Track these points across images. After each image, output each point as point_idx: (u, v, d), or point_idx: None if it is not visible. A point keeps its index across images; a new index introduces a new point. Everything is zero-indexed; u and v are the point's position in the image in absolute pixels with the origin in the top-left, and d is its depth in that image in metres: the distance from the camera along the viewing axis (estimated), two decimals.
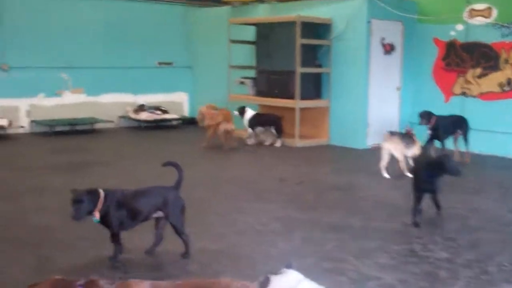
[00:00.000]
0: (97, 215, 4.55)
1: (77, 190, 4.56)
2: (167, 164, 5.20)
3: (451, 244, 5.43)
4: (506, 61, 10.13)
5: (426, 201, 6.97)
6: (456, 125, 9.48)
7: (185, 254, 4.97)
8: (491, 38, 10.28)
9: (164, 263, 4.88)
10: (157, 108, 13.67)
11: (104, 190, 4.64)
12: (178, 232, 4.94)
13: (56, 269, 4.64)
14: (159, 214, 4.90)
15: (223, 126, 10.32)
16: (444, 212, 6.52)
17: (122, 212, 4.67)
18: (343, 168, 9.20)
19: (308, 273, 4.57)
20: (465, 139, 9.46)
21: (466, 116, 9.83)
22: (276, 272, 3.31)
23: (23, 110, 12.27)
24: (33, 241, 5.33)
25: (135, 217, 4.76)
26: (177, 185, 5.04)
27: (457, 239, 5.59)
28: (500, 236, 5.70)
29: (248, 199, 7.01)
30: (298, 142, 11.08)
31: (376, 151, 9.22)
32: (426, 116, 9.34)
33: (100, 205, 4.54)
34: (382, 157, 8.38)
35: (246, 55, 12.83)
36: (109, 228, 4.72)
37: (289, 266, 3.36)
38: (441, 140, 9.32)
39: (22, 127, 11.93)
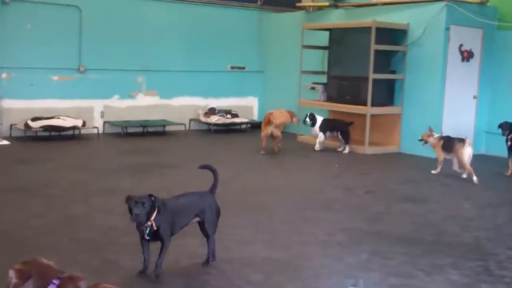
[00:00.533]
0: (153, 224, 4.37)
1: (133, 196, 4.36)
2: (203, 167, 5.05)
3: None
4: None
5: (502, 215, 6.65)
6: None
7: (207, 262, 4.84)
8: None
9: (226, 272, 4.80)
10: (228, 111, 13.73)
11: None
12: (209, 238, 4.81)
13: (119, 273, 4.68)
14: (196, 220, 4.77)
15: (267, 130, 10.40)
16: None
17: (169, 221, 4.50)
18: (413, 177, 8.90)
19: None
20: None
21: None
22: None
23: (97, 111, 12.59)
24: (99, 243, 5.40)
25: (177, 226, 4.61)
26: (213, 189, 4.90)
27: None
28: None
29: (313, 208, 6.87)
30: (368, 149, 10.83)
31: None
32: (507, 126, 8.91)
33: (154, 214, 4.37)
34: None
35: (317, 60, 12.69)
36: (160, 240, 4.52)
37: (356, 285, 3.23)
38: None
39: (95, 127, 12.24)
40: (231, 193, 7.38)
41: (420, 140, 9.28)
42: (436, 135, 9.12)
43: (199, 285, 4.54)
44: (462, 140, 8.58)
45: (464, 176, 8.66)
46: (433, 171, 9.00)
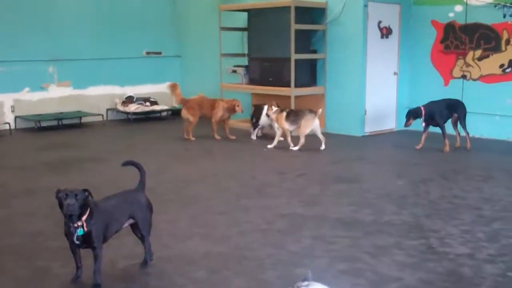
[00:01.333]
0: (84, 225, 3.95)
1: (64, 188, 3.94)
2: (128, 163, 4.64)
3: (469, 237, 5.13)
4: (508, 42, 9.82)
5: (438, 191, 6.71)
6: (452, 108, 9.16)
7: (145, 263, 4.54)
8: (492, 19, 9.96)
9: (167, 271, 4.51)
10: (146, 99, 13.26)
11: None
12: (145, 238, 4.48)
13: (52, 281, 4.29)
14: (130, 222, 4.42)
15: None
16: (457, 202, 6.26)
17: (102, 225, 4.08)
18: (343, 157, 8.88)
19: (323, 276, 4.30)
20: (463, 124, 9.14)
21: (466, 99, 9.58)
22: (298, 285, 2.98)
23: (7, 105, 11.80)
24: (25, 250, 4.96)
25: (110, 230, 4.20)
26: (141, 186, 4.53)
27: (474, 231, 5.29)
28: None
29: (248, 196, 6.67)
30: (294, 131, 10.73)
31: (371, 137, 8.93)
32: (413, 113, 9.09)
33: (85, 214, 3.96)
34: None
35: (237, 42, 12.45)
36: (92, 247, 4.08)
37: (307, 279, 3.04)
38: (440, 125, 9.04)
39: (6, 123, 11.46)
40: (162, 185, 7.06)
41: (267, 115, 9.76)
42: (276, 109, 9.53)
43: (140, 285, 4.23)
44: (312, 111, 9.21)
45: (323, 147, 9.31)
46: (293, 147, 9.36)
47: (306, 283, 2.98)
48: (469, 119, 9.33)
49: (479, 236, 5.17)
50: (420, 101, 9.75)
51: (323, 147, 9.29)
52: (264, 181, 7.33)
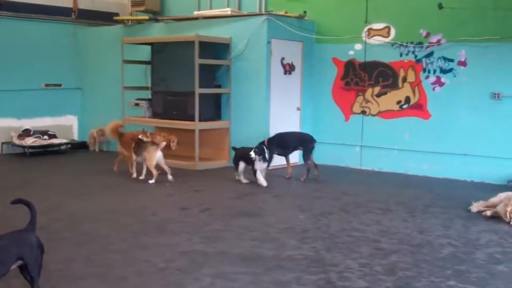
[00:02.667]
0: None
1: None
2: (17, 201, 4.34)
3: (367, 271, 5.19)
4: (405, 79, 10.28)
5: (338, 224, 6.78)
6: (297, 141, 9.89)
7: None
8: (390, 57, 10.41)
9: None
10: (44, 132, 12.72)
11: None
12: (34, 280, 4.17)
13: None
14: (18, 264, 4.12)
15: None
16: (356, 235, 6.34)
17: None
18: (246, 191, 8.84)
19: None
20: (306, 156, 9.81)
21: (365, 133, 9.89)
22: None
23: None
24: None
25: None
26: (32, 225, 4.25)
27: (372, 264, 5.36)
28: (413, 259, 5.53)
29: (148, 233, 6.44)
30: (199, 165, 10.63)
31: (277, 170, 8.96)
32: (260, 150, 9.16)
33: None
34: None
35: (140, 75, 12.28)
36: None
37: None
38: (285, 155, 9.92)
39: None
40: (57, 222, 6.72)
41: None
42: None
43: None
44: (154, 144, 9.39)
45: (170, 177, 9.45)
46: (150, 181, 9.38)
47: None
48: (368, 152, 9.61)
49: (377, 269, 5.24)
50: (322, 136, 9.97)
51: (170, 177, 9.42)
52: (165, 217, 7.13)
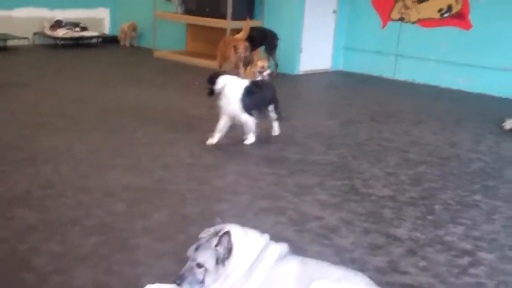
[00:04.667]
0: None
1: None
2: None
3: (392, 180, 5.16)
4: None
5: (367, 133, 6.71)
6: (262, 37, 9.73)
7: None
8: None
9: (85, 202, 4.31)
10: (76, 24, 12.60)
11: None
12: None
13: None
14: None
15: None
16: (384, 144, 6.28)
17: None
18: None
19: (244, 213, 4.24)
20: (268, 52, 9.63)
21: (402, 42, 9.57)
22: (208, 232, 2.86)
23: None
24: None
25: None
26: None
27: (398, 174, 5.33)
28: (440, 172, 5.48)
29: (177, 129, 6.47)
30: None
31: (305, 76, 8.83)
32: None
33: None
34: None
35: None
36: None
37: (217, 223, 2.92)
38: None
39: None
40: (85, 113, 6.77)
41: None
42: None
43: (55, 216, 4.02)
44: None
45: None
46: None
47: (218, 227, 2.87)
48: (403, 62, 9.33)
49: (403, 178, 5.21)
50: (357, 42, 9.68)
51: None
52: (193, 114, 7.13)
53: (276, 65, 9.63)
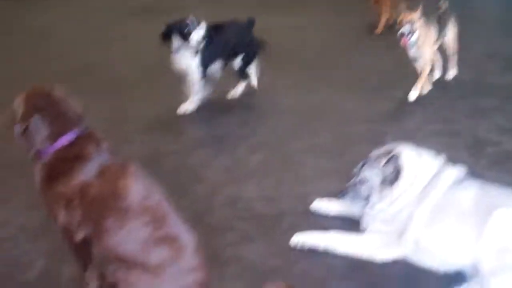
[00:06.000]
0: None
1: None
2: None
3: None
4: None
5: None
6: None
7: None
8: None
9: (252, 121, 4.38)
10: None
11: None
12: None
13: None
14: None
15: None
16: None
17: None
18: None
19: (413, 136, 4.02)
20: None
21: None
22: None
23: None
24: None
25: None
26: None
27: None
28: None
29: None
30: None
31: None
32: None
33: None
34: None
35: None
36: None
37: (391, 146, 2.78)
38: None
39: None
40: None
41: None
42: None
43: (222, 133, 4.13)
44: None
45: None
46: None
47: (390, 147, 2.73)
48: None
49: None
50: None
51: None
52: (360, 35, 6.88)
53: None
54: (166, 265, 2.02)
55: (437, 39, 4.78)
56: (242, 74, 4.90)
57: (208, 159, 3.76)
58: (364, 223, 2.79)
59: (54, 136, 2.04)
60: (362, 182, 2.70)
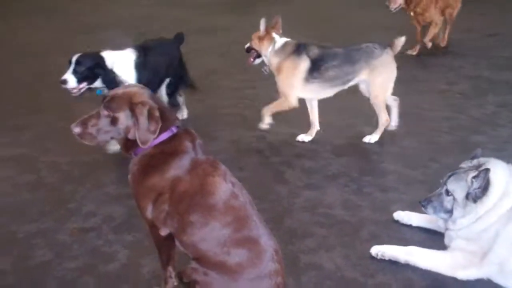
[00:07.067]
0: None
1: None
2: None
3: None
4: None
5: None
6: None
7: None
8: None
9: (339, 125, 4.30)
10: None
11: None
12: None
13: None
14: None
15: None
16: None
17: None
18: None
19: (504, 148, 3.83)
20: None
21: None
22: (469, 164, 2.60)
23: None
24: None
25: None
26: None
27: None
28: None
29: (430, 53, 6.11)
30: None
31: None
32: None
33: None
34: None
35: None
36: None
37: (477, 156, 2.63)
38: None
39: None
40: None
41: None
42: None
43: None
44: None
45: None
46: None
47: (482, 160, 2.59)
48: None
49: None
50: None
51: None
52: (448, 38, 6.64)
53: None
54: (244, 268, 2.02)
55: None
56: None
57: (291, 159, 3.74)
58: (447, 238, 2.67)
59: (159, 131, 2.11)
60: (447, 192, 2.59)
